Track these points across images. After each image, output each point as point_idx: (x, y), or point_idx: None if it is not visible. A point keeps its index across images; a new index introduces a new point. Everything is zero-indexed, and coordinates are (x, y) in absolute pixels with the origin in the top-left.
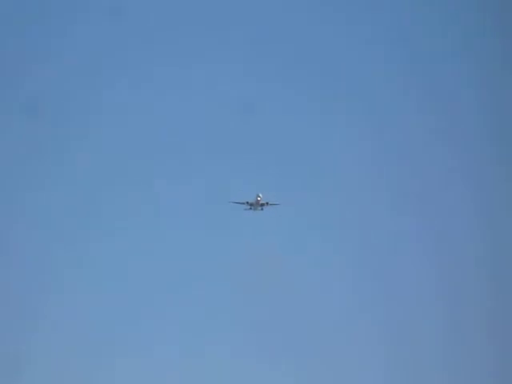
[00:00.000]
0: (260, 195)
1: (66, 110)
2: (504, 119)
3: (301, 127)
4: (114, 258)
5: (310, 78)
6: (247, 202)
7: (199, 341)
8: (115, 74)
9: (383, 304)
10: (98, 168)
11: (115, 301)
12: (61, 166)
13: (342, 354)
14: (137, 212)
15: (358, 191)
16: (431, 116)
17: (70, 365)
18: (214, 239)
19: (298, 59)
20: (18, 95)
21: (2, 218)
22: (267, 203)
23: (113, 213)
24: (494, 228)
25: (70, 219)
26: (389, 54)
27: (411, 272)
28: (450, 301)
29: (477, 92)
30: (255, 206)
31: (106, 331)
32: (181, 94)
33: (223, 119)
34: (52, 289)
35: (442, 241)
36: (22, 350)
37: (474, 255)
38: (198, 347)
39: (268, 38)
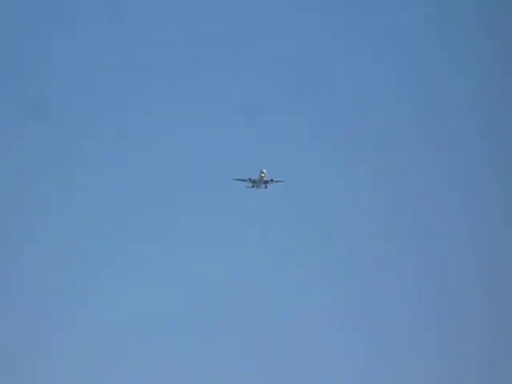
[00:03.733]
0: (264, 171)
1: (71, 112)
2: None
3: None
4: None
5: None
6: (250, 179)
7: (196, 340)
8: (119, 75)
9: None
10: (103, 162)
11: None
12: (65, 166)
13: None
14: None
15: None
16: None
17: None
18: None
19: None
20: (25, 97)
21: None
22: (271, 180)
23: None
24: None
25: (79, 220)
26: (387, 69)
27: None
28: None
29: (478, 116)
30: (258, 183)
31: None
32: (181, 85)
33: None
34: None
35: (439, 243)
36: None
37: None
38: (193, 346)
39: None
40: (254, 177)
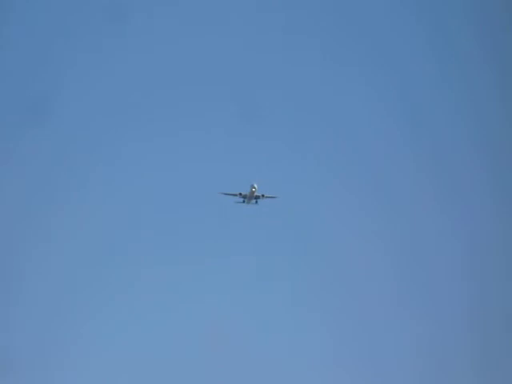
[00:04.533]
0: (255, 186)
1: (71, 112)
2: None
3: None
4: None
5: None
6: (240, 194)
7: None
8: (119, 75)
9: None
10: (103, 162)
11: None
12: (65, 166)
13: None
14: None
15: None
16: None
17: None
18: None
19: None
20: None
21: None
22: (263, 195)
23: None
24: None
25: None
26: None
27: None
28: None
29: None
30: (249, 198)
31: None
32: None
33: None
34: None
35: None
36: None
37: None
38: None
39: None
40: (245, 192)
